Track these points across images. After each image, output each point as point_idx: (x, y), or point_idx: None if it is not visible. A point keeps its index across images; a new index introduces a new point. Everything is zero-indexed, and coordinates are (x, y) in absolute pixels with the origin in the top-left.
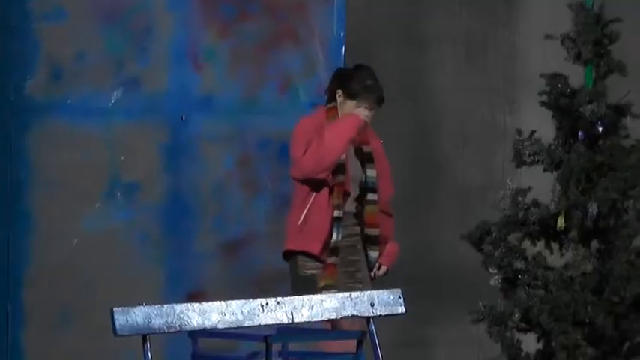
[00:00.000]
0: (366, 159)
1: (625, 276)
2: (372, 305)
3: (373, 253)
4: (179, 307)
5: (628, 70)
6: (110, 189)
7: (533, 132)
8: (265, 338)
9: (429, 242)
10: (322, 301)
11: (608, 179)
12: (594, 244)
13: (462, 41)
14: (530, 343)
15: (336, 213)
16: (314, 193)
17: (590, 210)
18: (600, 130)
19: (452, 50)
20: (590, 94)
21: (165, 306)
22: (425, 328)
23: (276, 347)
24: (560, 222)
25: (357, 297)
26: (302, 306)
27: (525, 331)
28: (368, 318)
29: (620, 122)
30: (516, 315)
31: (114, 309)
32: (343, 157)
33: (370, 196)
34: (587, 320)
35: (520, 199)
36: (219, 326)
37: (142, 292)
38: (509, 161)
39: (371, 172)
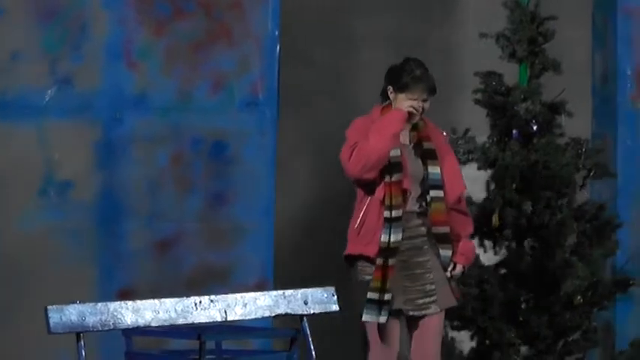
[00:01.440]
0: (427, 155)
1: (559, 274)
2: (306, 303)
3: (445, 252)
4: (113, 306)
5: (564, 67)
6: (44, 187)
7: (467, 130)
8: (199, 336)
9: None
10: (256, 299)
11: (542, 177)
12: (529, 242)
13: (395, 39)
14: (464, 341)
15: (387, 214)
16: (370, 195)
17: (525, 208)
18: (535, 128)
19: (385, 48)
20: (524, 92)
21: (99, 304)
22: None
23: (210, 345)
24: (495, 220)
25: (291, 295)
26: (235, 304)
27: (459, 329)
28: (301, 316)
29: (554, 120)
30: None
31: (48, 307)
32: (397, 154)
33: (434, 193)
34: (522, 319)
35: None
36: (153, 324)
37: (76, 290)
38: None
39: (433, 169)
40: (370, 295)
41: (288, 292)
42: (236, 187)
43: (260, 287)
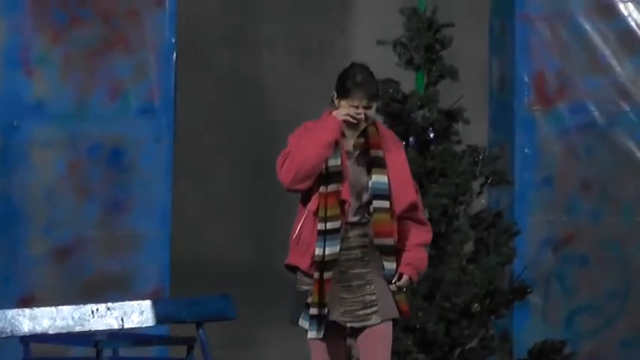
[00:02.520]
0: (373, 163)
1: (456, 282)
2: (203, 311)
3: (388, 265)
4: (10, 313)
5: (461, 75)
6: None
7: None
8: (96, 344)
9: (262, 245)
10: (153, 306)
11: (439, 185)
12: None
13: (297, 44)
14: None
15: (322, 226)
16: (307, 205)
17: None
18: (432, 135)
19: (286, 53)
20: (421, 99)
21: None
22: (257, 330)
23: (107, 353)
24: None
25: (188, 302)
26: (132, 312)
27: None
28: (198, 323)
29: (451, 128)
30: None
31: None
32: (337, 163)
33: (377, 204)
34: (419, 326)
35: None
36: (51, 332)
37: None
38: None
39: (378, 178)
40: (311, 310)
41: (186, 299)
42: (133, 195)
43: (157, 294)
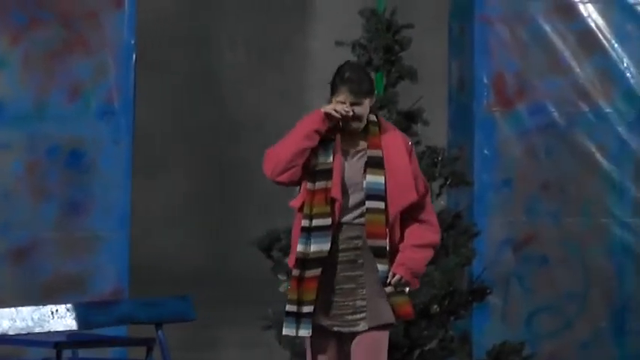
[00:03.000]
0: (370, 163)
1: None
2: (162, 312)
3: (381, 267)
4: None
5: (420, 76)
6: None
7: None
8: (55, 345)
9: (222, 247)
10: (111, 307)
11: None
12: None
13: (257, 44)
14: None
15: (306, 223)
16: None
17: None
18: None
19: (246, 53)
20: (380, 100)
21: None
22: (217, 332)
23: (66, 354)
24: None
25: (147, 303)
26: (92, 312)
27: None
28: (157, 324)
29: (411, 129)
30: None
31: None
32: (328, 160)
33: (370, 204)
34: None
35: None
36: (10, 332)
37: None
38: None
39: (372, 178)
40: (287, 307)
41: (144, 300)
42: (92, 196)
43: (116, 296)
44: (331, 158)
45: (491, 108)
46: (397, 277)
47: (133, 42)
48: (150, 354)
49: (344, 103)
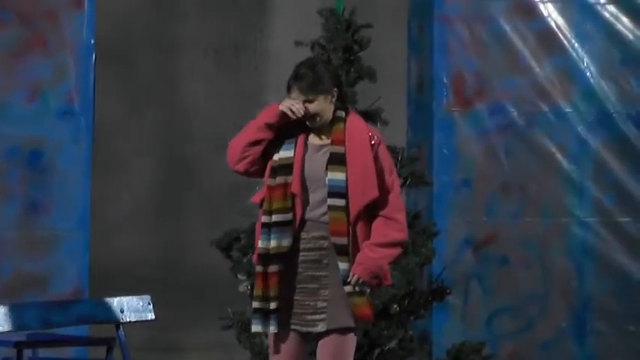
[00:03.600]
0: (332, 160)
1: None
2: (122, 312)
3: (342, 265)
4: None
5: (380, 76)
6: None
7: None
8: (16, 344)
9: (181, 247)
10: (72, 307)
11: None
12: None
13: (214, 46)
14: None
15: (266, 218)
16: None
17: None
18: None
19: (203, 55)
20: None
21: None
22: (177, 333)
23: (27, 353)
24: None
25: (107, 303)
26: (53, 312)
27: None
28: (117, 324)
29: None
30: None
31: None
32: (289, 155)
33: (331, 201)
34: None
35: None
36: None
37: None
38: None
39: (333, 175)
40: (254, 304)
41: (104, 300)
42: (52, 196)
43: (76, 295)
44: (292, 153)
45: (450, 108)
46: (355, 277)
47: (92, 42)
48: (110, 353)
49: (297, 99)
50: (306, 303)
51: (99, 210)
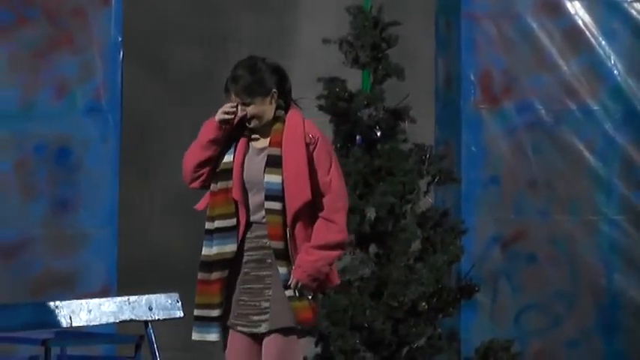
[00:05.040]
0: (269, 162)
1: (403, 281)
2: (150, 309)
3: (281, 270)
4: None
5: (408, 73)
6: None
7: None
8: (44, 342)
9: None
10: (100, 305)
11: (386, 183)
12: (372, 248)
13: (247, 41)
14: (308, 347)
15: (209, 225)
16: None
17: (369, 214)
18: (378, 134)
19: (237, 50)
20: (367, 98)
21: None
22: None
23: (55, 351)
24: None
25: (135, 301)
26: (80, 310)
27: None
28: (146, 322)
29: (398, 126)
30: None
31: None
32: (229, 159)
33: (268, 205)
34: (366, 325)
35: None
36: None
37: None
38: None
39: (270, 177)
40: (195, 311)
41: (133, 298)
42: (80, 193)
43: (104, 293)
44: (231, 157)
45: (478, 105)
46: (294, 280)
47: (120, 39)
48: (138, 351)
49: (236, 102)
50: (251, 303)
51: (128, 207)
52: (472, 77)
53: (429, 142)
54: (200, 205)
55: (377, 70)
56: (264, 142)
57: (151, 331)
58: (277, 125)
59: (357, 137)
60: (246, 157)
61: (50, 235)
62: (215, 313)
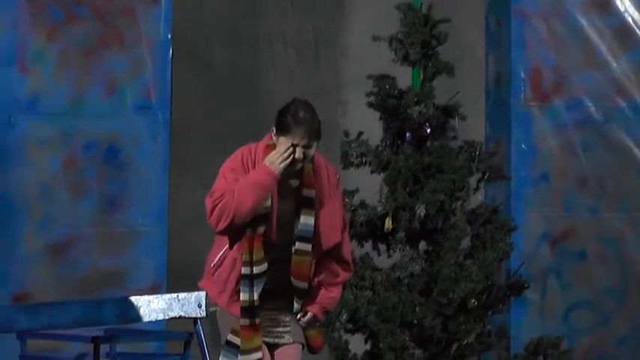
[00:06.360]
0: (303, 203)
1: (453, 278)
2: (200, 306)
3: (296, 305)
4: (7, 309)
5: (458, 70)
6: None
7: (360, 133)
8: (93, 339)
9: None
10: (150, 302)
11: (436, 180)
12: (422, 245)
13: (293, 41)
14: (358, 344)
15: (247, 270)
16: (230, 248)
17: (418, 211)
18: (428, 131)
19: (283, 50)
20: (417, 95)
21: None
22: None
23: (104, 348)
24: (388, 223)
25: (185, 298)
26: (129, 307)
27: (353, 332)
28: (195, 319)
29: (448, 123)
30: (344, 316)
31: None
32: (267, 204)
33: (299, 245)
34: (416, 322)
35: (347, 200)
36: (48, 327)
37: None
38: (339, 162)
39: (306, 219)
40: (232, 339)
41: (182, 295)
42: (129, 191)
43: (154, 290)
44: (269, 202)
45: (528, 102)
46: (310, 315)
47: (169, 36)
48: (187, 348)
49: (297, 145)
50: (275, 317)
51: (176, 205)
52: (522, 75)
53: (479, 139)
54: (237, 253)
55: (427, 67)
56: (290, 183)
57: (200, 328)
58: (308, 166)
59: (407, 134)
60: (280, 200)
61: (99, 234)
62: (255, 356)
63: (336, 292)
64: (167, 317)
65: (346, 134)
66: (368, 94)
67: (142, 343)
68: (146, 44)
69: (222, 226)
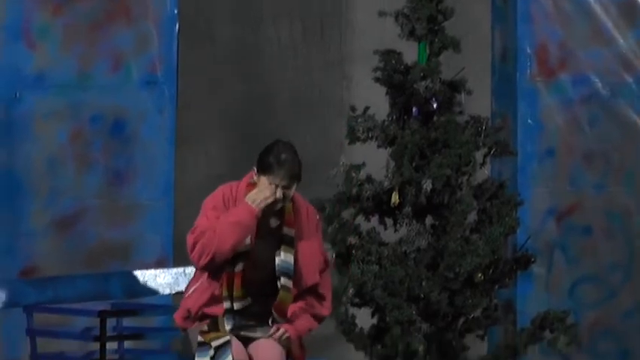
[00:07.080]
0: (283, 241)
1: (459, 252)
2: None
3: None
4: (14, 283)
5: (464, 46)
6: None
7: (367, 108)
8: (100, 313)
9: None
10: (156, 276)
11: (442, 155)
12: (429, 219)
13: (299, 17)
14: (364, 318)
15: (228, 304)
16: (206, 277)
17: (425, 186)
18: (434, 106)
19: (288, 26)
20: (423, 70)
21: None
22: None
23: (110, 322)
24: (395, 198)
25: (191, 273)
26: (136, 281)
27: (360, 306)
28: None
29: (454, 98)
30: (350, 290)
31: None
32: (247, 242)
33: (284, 281)
34: (422, 296)
35: (354, 175)
36: (54, 301)
37: None
38: (345, 137)
39: (286, 257)
40: (201, 339)
41: (189, 269)
42: (136, 165)
43: (160, 265)
44: (249, 239)
45: (534, 78)
46: (282, 331)
47: (176, 11)
48: None
49: (277, 185)
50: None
51: (183, 179)
52: (528, 50)
53: (486, 114)
54: (218, 290)
55: (433, 42)
56: (271, 222)
57: None
58: (288, 206)
59: (414, 109)
60: (259, 238)
61: (105, 206)
62: (227, 338)
63: (312, 323)
64: (173, 292)
65: (352, 109)
66: (374, 70)
67: (149, 318)
68: (152, 19)
69: (203, 262)
